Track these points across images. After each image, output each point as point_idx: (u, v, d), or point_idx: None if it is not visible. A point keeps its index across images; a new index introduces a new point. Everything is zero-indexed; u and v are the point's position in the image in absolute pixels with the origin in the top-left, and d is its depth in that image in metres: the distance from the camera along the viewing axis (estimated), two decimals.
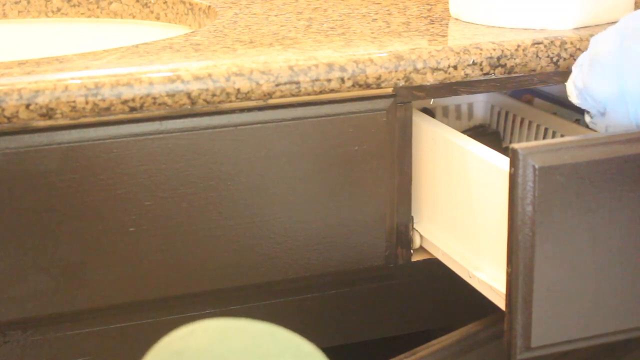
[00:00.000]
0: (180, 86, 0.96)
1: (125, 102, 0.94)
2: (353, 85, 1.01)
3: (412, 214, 1.09)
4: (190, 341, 0.58)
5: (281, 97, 0.99)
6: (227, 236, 1.03)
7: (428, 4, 1.26)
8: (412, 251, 1.10)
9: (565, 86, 1.03)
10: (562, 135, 1.19)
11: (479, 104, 1.35)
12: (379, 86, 1.02)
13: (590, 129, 1.03)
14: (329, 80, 1.00)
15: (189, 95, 0.96)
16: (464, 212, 1.04)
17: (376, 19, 1.18)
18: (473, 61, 1.04)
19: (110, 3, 1.40)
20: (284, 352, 0.55)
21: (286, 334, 0.56)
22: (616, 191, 0.91)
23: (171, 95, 0.95)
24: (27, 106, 0.92)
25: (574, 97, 1.01)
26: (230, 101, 0.98)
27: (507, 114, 1.31)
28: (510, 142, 1.28)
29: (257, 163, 1.01)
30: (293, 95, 1.00)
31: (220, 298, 1.07)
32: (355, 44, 1.06)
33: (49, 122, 0.94)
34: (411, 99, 1.05)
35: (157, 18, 1.38)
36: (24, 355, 1.02)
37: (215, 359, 0.55)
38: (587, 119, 1.02)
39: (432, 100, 1.22)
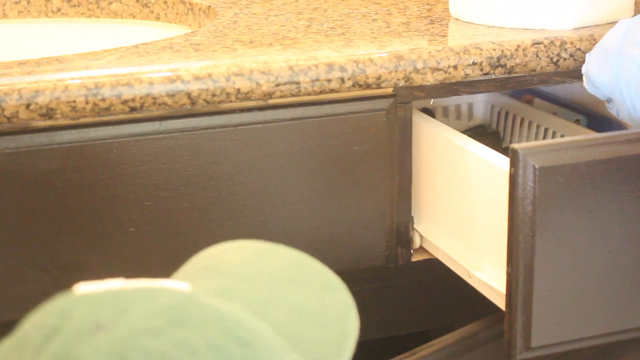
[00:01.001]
0: (180, 86, 0.96)
1: (125, 102, 0.94)
2: (353, 85, 1.01)
3: (412, 214, 1.09)
4: (225, 257, 0.60)
5: (281, 97, 0.99)
6: (227, 236, 1.02)
7: (428, 4, 1.26)
8: (412, 251, 1.10)
9: (565, 86, 1.03)
10: (562, 135, 1.19)
11: (479, 104, 1.35)
12: (379, 86, 1.02)
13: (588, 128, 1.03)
14: (329, 80, 1.00)
15: (189, 95, 0.96)
16: (464, 212, 1.04)
17: (376, 19, 1.18)
18: (473, 61, 1.04)
19: (110, 3, 1.39)
20: (313, 280, 0.57)
21: (317, 264, 0.58)
22: (616, 191, 0.91)
23: (171, 95, 0.95)
24: (27, 106, 0.92)
25: (584, 82, 1.01)
26: (230, 101, 0.98)
27: (507, 114, 1.31)
28: (510, 142, 1.28)
29: (257, 163, 1.01)
30: (293, 95, 0.99)
31: None
32: (355, 44, 1.06)
33: (49, 122, 0.94)
34: (411, 99, 1.05)
35: (157, 18, 1.38)
36: None
37: (248, 276, 0.57)
38: (607, 104, 1.02)
39: (432, 100, 1.22)
